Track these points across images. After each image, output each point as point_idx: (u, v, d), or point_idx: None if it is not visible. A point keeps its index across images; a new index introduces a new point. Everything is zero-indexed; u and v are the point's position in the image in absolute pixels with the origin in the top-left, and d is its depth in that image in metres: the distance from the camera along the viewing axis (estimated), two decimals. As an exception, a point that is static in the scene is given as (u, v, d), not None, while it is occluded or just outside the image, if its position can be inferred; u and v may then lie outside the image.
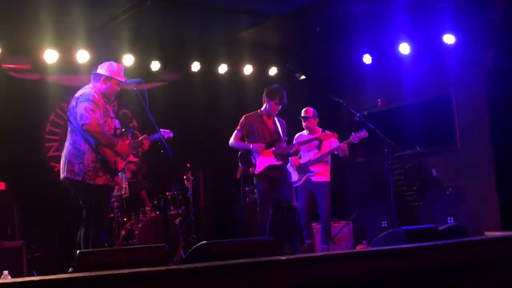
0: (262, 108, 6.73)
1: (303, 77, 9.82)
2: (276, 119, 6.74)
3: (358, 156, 9.77)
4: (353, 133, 7.00)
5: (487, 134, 7.91)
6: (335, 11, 7.90)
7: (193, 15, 7.83)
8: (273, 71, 9.78)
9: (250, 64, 9.54)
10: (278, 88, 6.67)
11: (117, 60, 8.32)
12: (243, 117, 6.74)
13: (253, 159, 6.54)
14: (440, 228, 4.62)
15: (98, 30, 7.96)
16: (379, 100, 9.35)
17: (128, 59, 8.46)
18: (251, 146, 6.52)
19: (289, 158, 6.83)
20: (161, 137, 5.39)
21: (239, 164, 6.72)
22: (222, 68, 9.33)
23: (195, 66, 9.10)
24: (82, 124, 5.00)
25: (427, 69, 8.60)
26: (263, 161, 6.48)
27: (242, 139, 6.69)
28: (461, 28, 7.98)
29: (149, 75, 8.67)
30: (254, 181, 6.63)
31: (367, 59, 9.10)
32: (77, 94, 5.23)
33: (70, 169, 5.07)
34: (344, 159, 7.54)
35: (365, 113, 8.44)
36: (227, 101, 9.46)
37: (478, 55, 7.99)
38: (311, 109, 7.40)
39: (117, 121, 5.38)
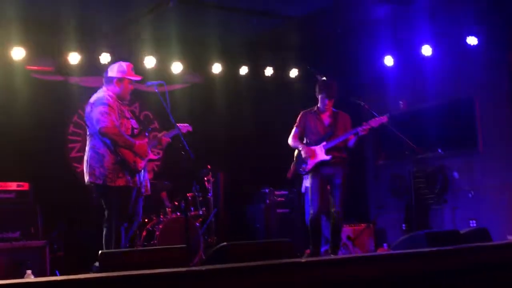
0: (318, 104, 6.63)
1: (324, 78, 9.78)
2: (336, 113, 6.60)
3: (380, 159, 9.72)
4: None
5: (510, 136, 7.82)
6: (356, 12, 7.89)
7: (214, 17, 7.86)
8: (293, 72, 9.77)
9: (271, 65, 9.54)
10: (325, 81, 6.61)
11: (139, 61, 8.43)
12: (300, 113, 6.66)
13: (304, 156, 6.45)
14: (461, 231, 4.58)
15: (120, 32, 8.04)
16: (400, 102, 9.29)
17: (150, 61, 8.52)
18: (300, 147, 6.46)
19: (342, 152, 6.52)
20: (180, 133, 5.43)
21: (293, 163, 6.66)
22: (243, 70, 9.35)
23: (217, 68, 9.13)
24: (99, 128, 5.08)
25: (450, 70, 8.53)
26: (312, 159, 6.39)
27: (300, 135, 6.58)
28: (483, 29, 7.91)
29: (170, 77, 8.72)
30: (305, 179, 6.54)
31: (388, 60, 9.05)
32: (92, 100, 5.31)
33: (91, 173, 5.17)
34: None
35: (387, 115, 8.39)
36: (248, 103, 9.48)
37: (501, 57, 7.91)
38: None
39: (133, 121, 5.43)
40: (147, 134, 5.45)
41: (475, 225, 7.81)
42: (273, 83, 9.68)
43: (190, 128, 5.80)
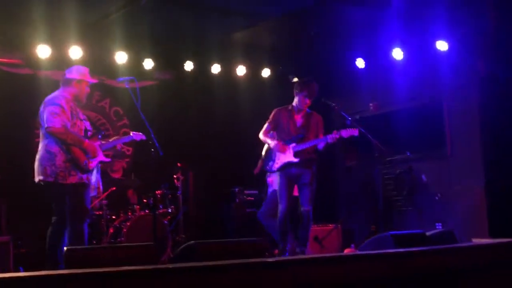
0: (293, 102, 6.61)
1: (295, 79, 9.82)
2: (309, 114, 6.61)
3: (349, 160, 9.78)
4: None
5: (478, 141, 7.94)
6: (329, 15, 7.92)
7: (187, 14, 7.82)
8: (266, 72, 9.78)
9: (244, 65, 9.54)
10: (307, 81, 6.58)
11: (110, 57, 8.36)
12: (274, 110, 6.66)
13: (273, 155, 6.49)
14: (428, 233, 4.63)
15: (92, 27, 7.94)
16: (371, 104, 9.37)
17: (121, 57, 8.44)
18: (273, 142, 6.44)
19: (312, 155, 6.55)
20: (133, 139, 5.63)
21: (261, 159, 6.72)
22: (215, 68, 9.32)
23: (188, 66, 9.09)
24: (46, 128, 5.22)
25: (420, 74, 8.63)
26: (281, 157, 6.42)
27: (271, 132, 6.60)
28: (454, 35, 8.02)
29: (141, 73, 8.65)
30: (270, 177, 6.54)
31: (360, 63, 9.13)
32: (46, 99, 5.41)
33: (43, 172, 5.25)
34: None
35: (357, 117, 8.46)
36: (220, 101, 9.47)
37: (470, 62, 8.02)
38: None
39: (87, 123, 5.54)
40: (100, 137, 5.49)
41: (441, 227, 7.91)
42: (245, 82, 9.67)
43: (144, 137, 5.86)
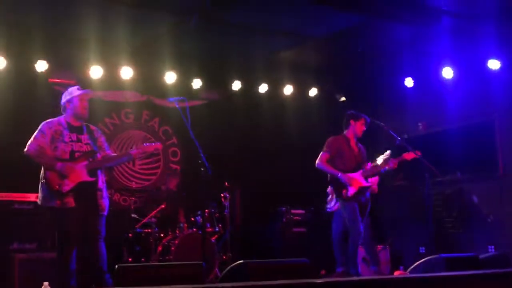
0: (346, 132, 6.89)
1: (343, 98, 9.79)
2: (357, 142, 6.93)
3: (398, 180, 9.64)
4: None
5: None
6: (377, 33, 7.88)
7: (235, 35, 7.91)
8: (313, 92, 9.78)
9: (291, 84, 9.56)
10: (359, 112, 6.93)
11: (159, 77, 8.51)
12: (330, 139, 6.83)
13: (343, 182, 6.61)
14: (481, 256, 4.51)
15: (142, 48, 8.11)
16: (420, 124, 9.25)
17: (170, 77, 8.59)
18: (339, 175, 6.60)
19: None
20: (156, 149, 5.74)
21: (330, 186, 6.89)
22: (263, 88, 9.37)
23: (236, 85, 9.16)
24: (24, 151, 5.40)
25: (470, 93, 8.47)
26: (354, 183, 6.59)
27: (329, 160, 6.74)
28: (506, 53, 7.86)
29: (190, 93, 8.76)
30: (342, 204, 6.67)
31: (409, 82, 9.02)
32: None
33: (37, 195, 5.45)
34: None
35: (406, 136, 8.34)
36: (267, 120, 9.51)
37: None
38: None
39: (77, 144, 5.53)
40: (90, 159, 5.50)
41: (494, 250, 7.70)
42: (292, 101, 9.69)
43: (159, 146, 5.85)
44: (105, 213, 5.60)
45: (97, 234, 5.46)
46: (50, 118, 5.61)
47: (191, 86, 8.89)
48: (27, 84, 7.85)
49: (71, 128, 5.56)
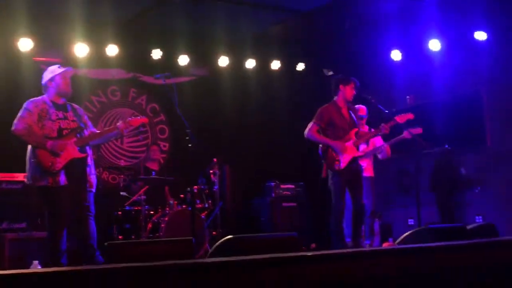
0: (336, 98, 6.48)
1: (330, 72, 9.77)
2: (350, 107, 6.56)
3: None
4: (406, 130, 6.76)
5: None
6: (364, 6, 7.85)
7: (221, 10, 7.85)
8: (300, 66, 9.75)
9: (278, 59, 9.52)
10: (347, 76, 6.53)
11: (146, 54, 8.45)
12: (320, 109, 6.43)
13: (335, 154, 6.31)
14: (468, 227, 4.55)
15: (127, 25, 8.04)
16: (408, 96, 9.26)
17: (157, 53, 8.53)
18: (331, 143, 6.29)
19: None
20: (142, 124, 5.68)
21: (322, 161, 6.52)
22: (250, 63, 9.33)
23: (223, 61, 9.12)
24: (11, 130, 5.34)
25: (458, 65, 8.48)
26: (347, 151, 6.31)
27: (319, 131, 6.37)
28: (492, 25, 7.85)
29: (177, 70, 8.72)
30: (331, 177, 6.38)
31: (396, 55, 9.01)
32: None
33: (25, 175, 5.42)
34: (382, 160, 7.50)
35: (394, 109, 8.35)
36: (255, 96, 9.49)
37: (510, 52, 7.85)
38: (364, 108, 7.36)
39: (64, 122, 5.48)
40: (78, 135, 5.47)
41: (481, 221, 7.78)
42: (280, 76, 9.66)
43: (145, 120, 5.80)
44: (93, 189, 5.60)
45: (87, 211, 5.46)
46: (37, 96, 5.55)
47: (178, 63, 8.84)
48: (11, 63, 7.79)
49: (57, 106, 5.52)
